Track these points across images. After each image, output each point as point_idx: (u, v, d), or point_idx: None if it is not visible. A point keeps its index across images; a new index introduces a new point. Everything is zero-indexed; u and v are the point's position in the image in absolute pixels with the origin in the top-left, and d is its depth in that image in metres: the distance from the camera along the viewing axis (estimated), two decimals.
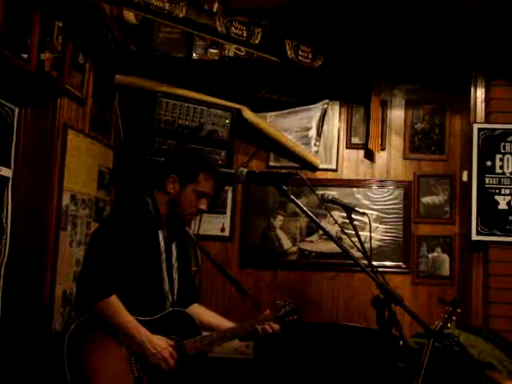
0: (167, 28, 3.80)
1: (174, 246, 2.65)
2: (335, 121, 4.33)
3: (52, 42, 2.95)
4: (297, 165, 4.21)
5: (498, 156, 3.93)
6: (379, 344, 1.95)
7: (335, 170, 4.30)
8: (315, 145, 4.21)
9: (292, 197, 2.19)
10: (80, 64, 3.35)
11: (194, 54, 3.94)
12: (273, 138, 4.14)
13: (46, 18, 2.92)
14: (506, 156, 3.92)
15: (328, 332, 3.67)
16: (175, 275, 2.62)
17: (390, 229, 4.18)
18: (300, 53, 3.74)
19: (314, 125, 4.22)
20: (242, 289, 2.92)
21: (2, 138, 2.90)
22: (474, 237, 3.88)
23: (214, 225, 4.23)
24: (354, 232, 2.93)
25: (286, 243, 4.24)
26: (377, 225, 4.17)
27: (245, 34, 3.52)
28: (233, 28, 3.47)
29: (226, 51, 3.94)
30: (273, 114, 4.26)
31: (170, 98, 3.73)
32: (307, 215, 2.16)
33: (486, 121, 4.00)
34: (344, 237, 3.71)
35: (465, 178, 4.08)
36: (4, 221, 2.92)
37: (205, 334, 2.58)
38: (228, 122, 3.87)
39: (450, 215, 4.19)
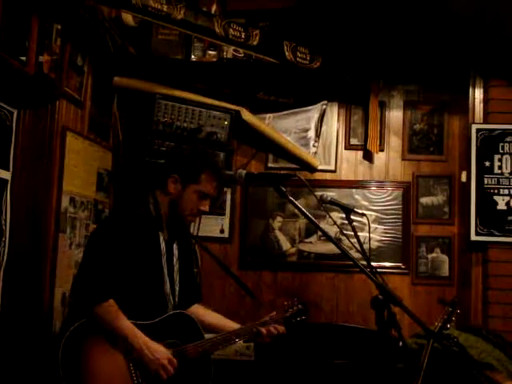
0: (165, 30, 3.80)
1: (175, 247, 2.60)
2: (334, 122, 4.33)
3: (50, 45, 2.95)
4: (295, 166, 4.21)
5: (497, 156, 3.93)
6: (379, 345, 1.95)
7: (334, 171, 4.30)
8: (314, 146, 4.21)
9: (291, 198, 2.18)
10: (78, 66, 3.36)
11: (193, 56, 3.94)
12: (271, 140, 4.15)
13: (44, 20, 2.92)
14: (505, 156, 3.92)
15: (327, 333, 3.67)
16: (176, 276, 2.57)
17: (389, 229, 4.18)
18: (298, 54, 3.74)
19: (312, 126, 4.23)
20: (248, 290, 2.90)
21: (1, 141, 2.90)
22: (473, 237, 3.88)
23: (214, 226, 4.23)
24: (352, 233, 2.94)
25: (285, 244, 4.24)
26: (376, 226, 4.17)
27: (243, 36, 3.52)
28: (231, 30, 3.47)
29: (225, 53, 3.94)
30: (271, 115, 4.26)
31: (168, 100, 3.73)
32: (306, 216, 2.16)
33: (485, 121, 4.00)
34: (343, 238, 3.72)
35: (464, 178, 4.07)
36: (3, 223, 2.92)
37: (208, 336, 2.53)
38: (227, 123, 3.87)
39: (448, 216, 4.19)
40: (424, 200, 4.22)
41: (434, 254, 4.16)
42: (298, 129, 4.25)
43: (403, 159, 4.28)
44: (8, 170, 2.96)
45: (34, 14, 2.85)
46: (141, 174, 3.66)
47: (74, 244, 3.33)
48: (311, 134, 4.22)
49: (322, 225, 3.83)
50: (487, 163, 3.92)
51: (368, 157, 4.29)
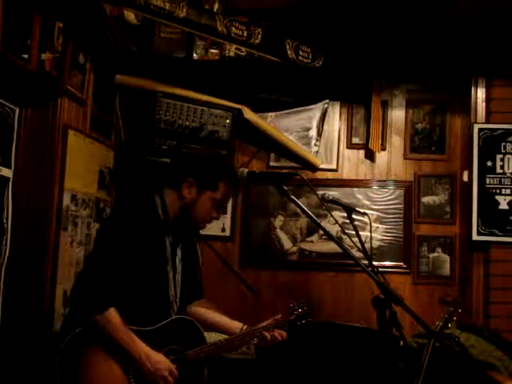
0: (168, 28, 3.80)
1: (178, 250, 2.51)
2: (336, 121, 4.33)
3: (52, 43, 2.95)
4: (297, 165, 4.21)
5: (499, 156, 3.92)
6: (380, 344, 1.94)
7: (335, 170, 4.30)
8: (315, 145, 4.21)
9: (292, 197, 2.18)
10: (80, 64, 3.35)
11: (195, 54, 3.94)
12: (273, 138, 4.14)
13: (46, 18, 2.92)
14: (507, 156, 3.92)
15: (329, 332, 3.66)
16: (178, 277, 2.49)
17: (390, 229, 4.18)
18: (300, 53, 3.74)
19: (314, 125, 4.22)
20: (250, 287, 2.88)
21: (3, 139, 2.90)
22: (475, 237, 3.88)
23: (215, 225, 4.20)
24: (354, 232, 2.93)
25: (287, 243, 4.24)
26: (377, 225, 4.17)
27: (245, 34, 3.52)
28: (233, 28, 3.47)
29: (227, 51, 3.94)
30: (273, 114, 4.26)
31: (170, 98, 3.73)
32: (307, 215, 2.15)
33: (487, 121, 3.99)
34: (344, 237, 3.70)
35: (465, 178, 4.07)
36: (4, 221, 2.92)
37: (208, 335, 2.48)
38: (228, 122, 3.86)
39: (450, 215, 4.19)
40: (426, 199, 4.22)
41: (435, 254, 4.16)
42: (299, 128, 4.24)
43: (405, 158, 4.28)
44: (10, 167, 2.96)
45: (36, 11, 2.86)
46: (142, 172, 3.66)
47: (75, 242, 3.33)
48: (313, 132, 4.22)
49: (324, 224, 3.81)
50: (489, 163, 3.92)
51: (370, 156, 4.29)
